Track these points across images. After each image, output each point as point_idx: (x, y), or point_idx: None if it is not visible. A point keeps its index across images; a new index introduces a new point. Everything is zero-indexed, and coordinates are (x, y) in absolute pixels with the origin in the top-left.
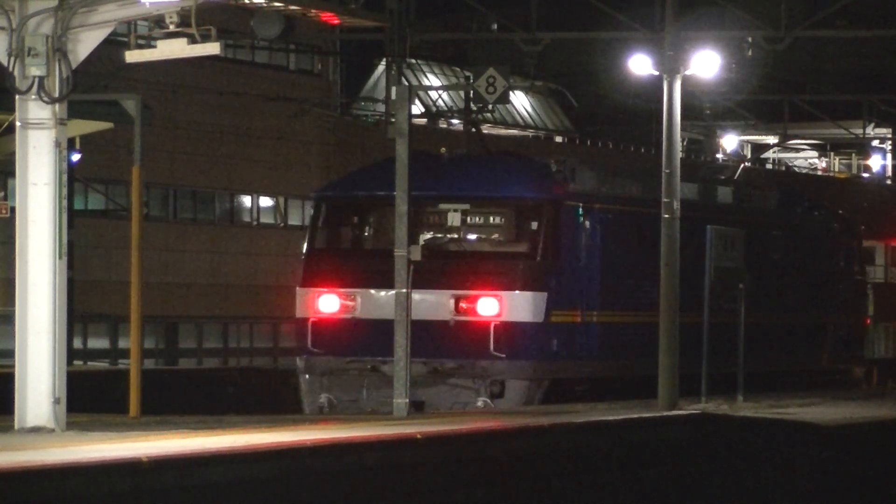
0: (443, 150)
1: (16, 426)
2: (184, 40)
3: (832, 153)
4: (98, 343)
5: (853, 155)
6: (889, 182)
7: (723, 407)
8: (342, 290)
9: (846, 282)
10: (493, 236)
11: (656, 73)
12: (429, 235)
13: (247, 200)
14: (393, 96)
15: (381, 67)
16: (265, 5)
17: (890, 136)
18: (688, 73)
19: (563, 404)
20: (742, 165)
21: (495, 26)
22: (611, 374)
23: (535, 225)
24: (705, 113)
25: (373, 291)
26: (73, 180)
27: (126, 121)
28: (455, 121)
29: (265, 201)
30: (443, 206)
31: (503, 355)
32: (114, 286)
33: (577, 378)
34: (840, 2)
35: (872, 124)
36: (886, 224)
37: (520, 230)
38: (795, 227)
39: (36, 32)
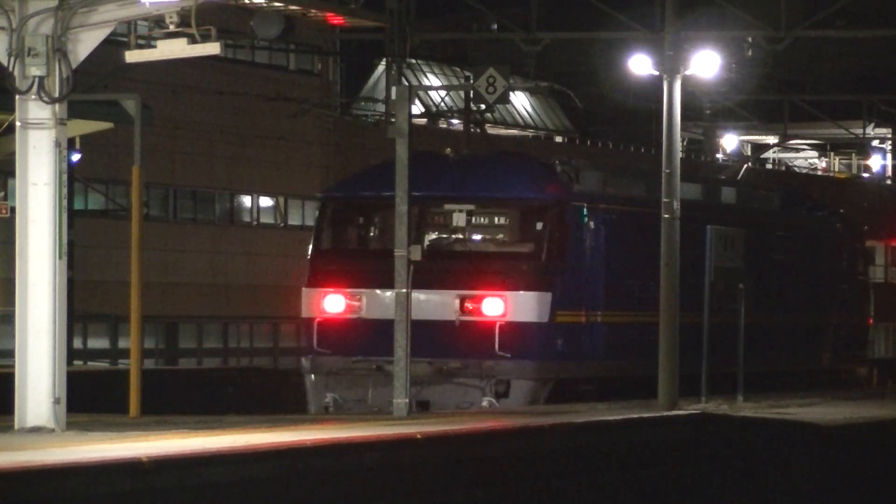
0: (448, 150)
1: (16, 426)
2: (184, 40)
3: (832, 153)
4: (98, 343)
5: (853, 155)
6: (889, 182)
7: (723, 407)
8: (348, 290)
9: (849, 282)
10: (498, 236)
11: (656, 73)
12: (434, 236)
13: (247, 200)
14: (393, 96)
15: (381, 67)
16: (265, 5)
17: (890, 136)
18: (688, 73)
19: (564, 404)
20: (745, 166)
21: (495, 26)
22: (615, 374)
23: (539, 225)
24: (705, 113)
25: (378, 292)
26: (73, 180)
27: (126, 121)
28: (455, 121)
29: (265, 201)
30: (448, 207)
31: (508, 355)
32: (114, 286)
33: (581, 378)
34: (840, 2)
35: (872, 124)
36: (886, 224)
37: (525, 230)
38: (799, 227)
39: (36, 32)
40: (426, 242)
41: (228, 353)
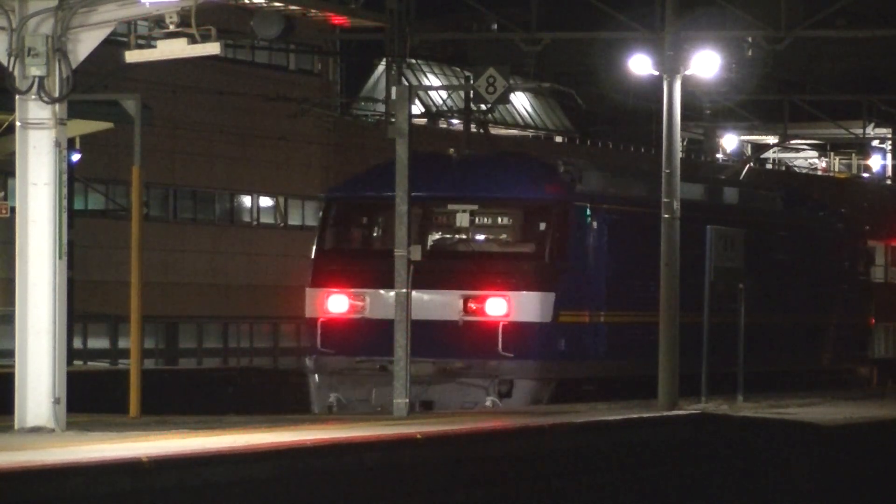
0: (451, 150)
1: (16, 426)
2: (184, 40)
3: (832, 153)
4: (98, 343)
5: (853, 155)
6: (889, 182)
7: (723, 407)
8: (352, 290)
9: (851, 282)
10: (501, 237)
11: (656, 73)
12: (438, 236)
13: (247, 200)
14: (393, 96)
15: (381, 67)
16: (265, 5)
17: (890, 136)
18: (688, 73)
19: (565, 404)
20: (748, 166)
21: (495, 26)
22: (618, 374)
23: (543, 225)
24: (705, 113)
25: (382, 292)
26: (73, 180)
27: (126, 121)
28: (455, 121)
29: (265, 201)
30: (451, 207)
31: (511, 355)
32: (114, 286)
33: (585, 378)
34: (840, 2)
35: (872, 124)
36: (886, 224)
37: (528, 231)
38: (801, 227)
39: (36, 32)
40: (430, 242)
41: (228, 353)
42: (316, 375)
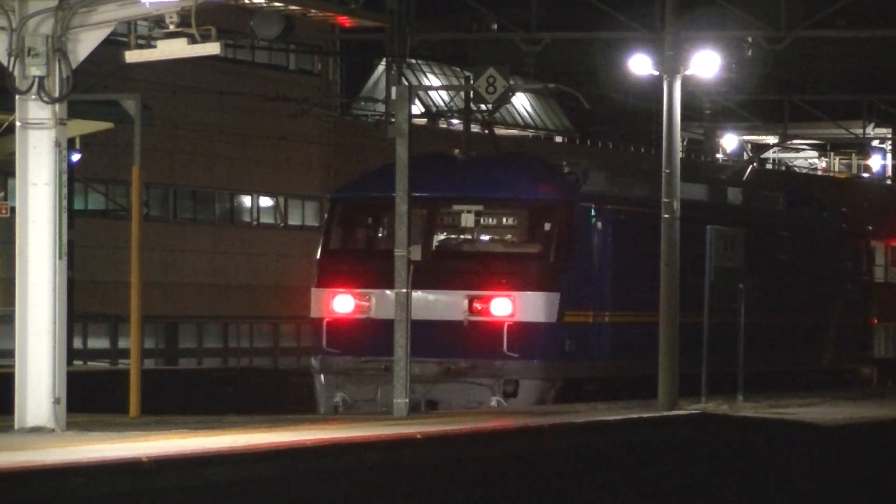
0: (456, 151)
1: (16, 426)
2: (184, 40)
3: (832, 153)
4: (98, 343)
5: (853, 155)
6: (889, 182)
7: (723, 407)
8: (357, 290)
9: (854, 282)
10: (506, 237)
11: (656, 73)
12: (443, 236)
13: (247, 200)
14: (393, 96)
15: (381, 67)
16: (265, 5)
17: (890, 136)
18: (688, 73)
19: (565, 404)
20: (751, 166)
21: (495, 26)
22: (623, 374)
23: (547, 226)
24: (705, 113)
25: (388, 292)
26: (73, 180)
27: (126, 121)
28: (455, 121)
29: (265, 201)
30: (456, 207)
31: (516, 355)
32: (114, 286)
33: (589, 378)
34: (840, 2)
35: (872, 124)
36: (886, 224)
37: (533, 231)
38: (804, 227)
39: (36, 32)
40: (435, 243)
41: (228, 353)
42: (321, 375)
